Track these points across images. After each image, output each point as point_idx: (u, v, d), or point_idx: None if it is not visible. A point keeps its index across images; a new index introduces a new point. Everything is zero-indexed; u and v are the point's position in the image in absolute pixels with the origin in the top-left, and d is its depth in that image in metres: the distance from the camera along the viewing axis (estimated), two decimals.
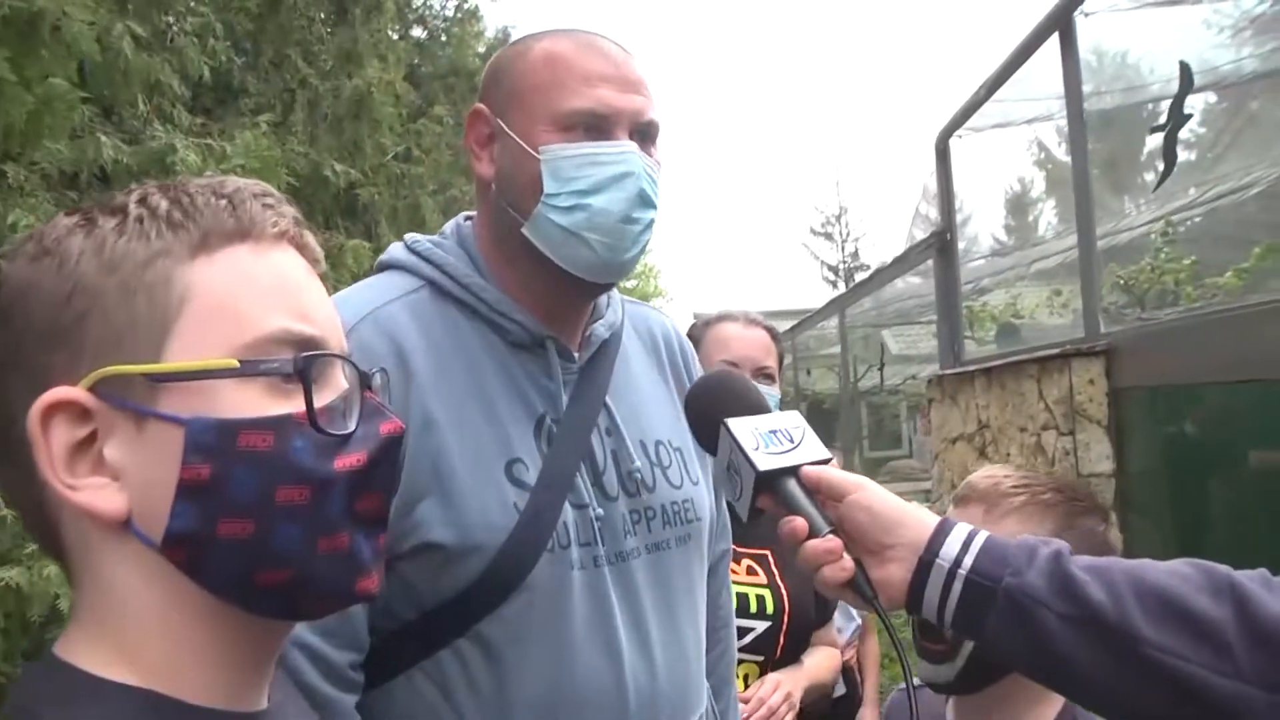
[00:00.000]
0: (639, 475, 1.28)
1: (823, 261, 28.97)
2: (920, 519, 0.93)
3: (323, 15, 8.08)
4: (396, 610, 1.16)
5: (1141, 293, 5.75)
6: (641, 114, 1.20)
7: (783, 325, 14.00)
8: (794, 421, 1.03)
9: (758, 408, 1.04)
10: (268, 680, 0.71)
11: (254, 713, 0.69)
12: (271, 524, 0.63)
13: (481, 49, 14.99)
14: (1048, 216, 7.42)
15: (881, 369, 11.03)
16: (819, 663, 2.13)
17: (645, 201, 1.20)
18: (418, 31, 13.07)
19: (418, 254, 1.27)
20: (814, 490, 0.97)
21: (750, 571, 1.99)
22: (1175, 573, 0.85)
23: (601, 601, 1.21)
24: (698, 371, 1.50)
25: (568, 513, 1.20)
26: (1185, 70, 3.87)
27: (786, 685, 1.96)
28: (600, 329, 1.31)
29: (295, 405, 0.65)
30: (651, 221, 1.23)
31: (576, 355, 1.28)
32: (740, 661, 1.94)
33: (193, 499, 0.62)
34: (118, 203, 0.67)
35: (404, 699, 1.16)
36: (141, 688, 0.62)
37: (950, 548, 0.89)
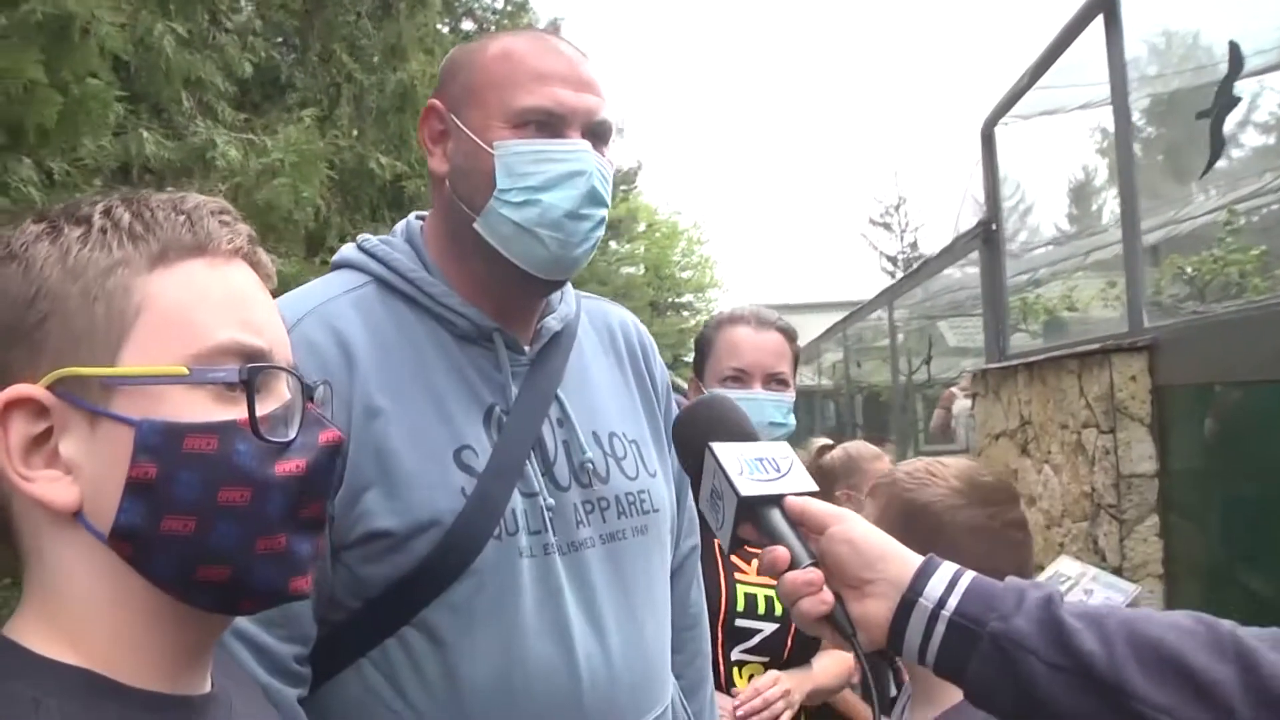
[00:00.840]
0: (591, 465, 1.29)
1: (881, 252, 28.67)
2: (904, 555, 0.91)
3: (368, 11, 8.13)
4: (342, 600, 1.15)
5: (1203, 284, 5.55)
6: (594, 113, 1.23)
7: (838, 317, 13.74)
8: (782, 452, 1.01)
9: (746, 435, 1.02)
10: (207, 667, 0.75)
11: (191, 696, 0.72)
12: (212, 522, 0.67)
13: None
14: (1111, 205, 7.22)
15: (928, 362, 10.80)
16: (826, 667, 2.08)
17: (596, 199, 1.22)
18: (467, 24, 13.17)
19: (366, 252, 1.29)
20: (797, 521, 0.95)
21: (761, 572, 1.95)
22: (1176, 626, 0.81)
23: (552, 590, 1.20)
24: (659, 366, 1.50)
25: (517, 500, 1.20)
26: (1235, 51, 3.70)
27: (786, 683, 1.92)
28: (551, 322, 1.32)
29: (239, 412, 0.69)
30: (602, 220, 1.24)
31: (527, 349, 1.28)
32: (746, 663, 1.91)
33: (139, 496, 0.66)
34: (83, 212, 0.71)
35: (354, 690, 1.15)
36: (80, 667, 0.66)
37: (934, 587, 0.87)
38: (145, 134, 4.80)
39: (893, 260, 27.21)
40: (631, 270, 27.60)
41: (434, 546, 1.13)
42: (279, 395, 0.73)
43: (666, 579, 1.41)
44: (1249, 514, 3.53)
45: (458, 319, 1.23)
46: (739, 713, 1.81)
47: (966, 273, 8.94)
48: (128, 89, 5.32)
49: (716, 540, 1.89)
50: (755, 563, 1.92)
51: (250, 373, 0.70)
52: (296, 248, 5.93)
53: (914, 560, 0.90)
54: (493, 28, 13.41)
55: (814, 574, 0.91)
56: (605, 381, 1.39)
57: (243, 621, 1.04)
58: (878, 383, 13.78)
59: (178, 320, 0.69)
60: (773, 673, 1.93)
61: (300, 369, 1.12)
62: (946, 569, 0.89)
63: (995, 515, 1.32)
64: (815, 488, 0.99)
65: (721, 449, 0.98)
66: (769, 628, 1.94)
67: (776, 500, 0.96)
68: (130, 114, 5.06)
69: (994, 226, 5.96)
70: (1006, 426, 5.26)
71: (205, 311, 0.71)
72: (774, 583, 1.94)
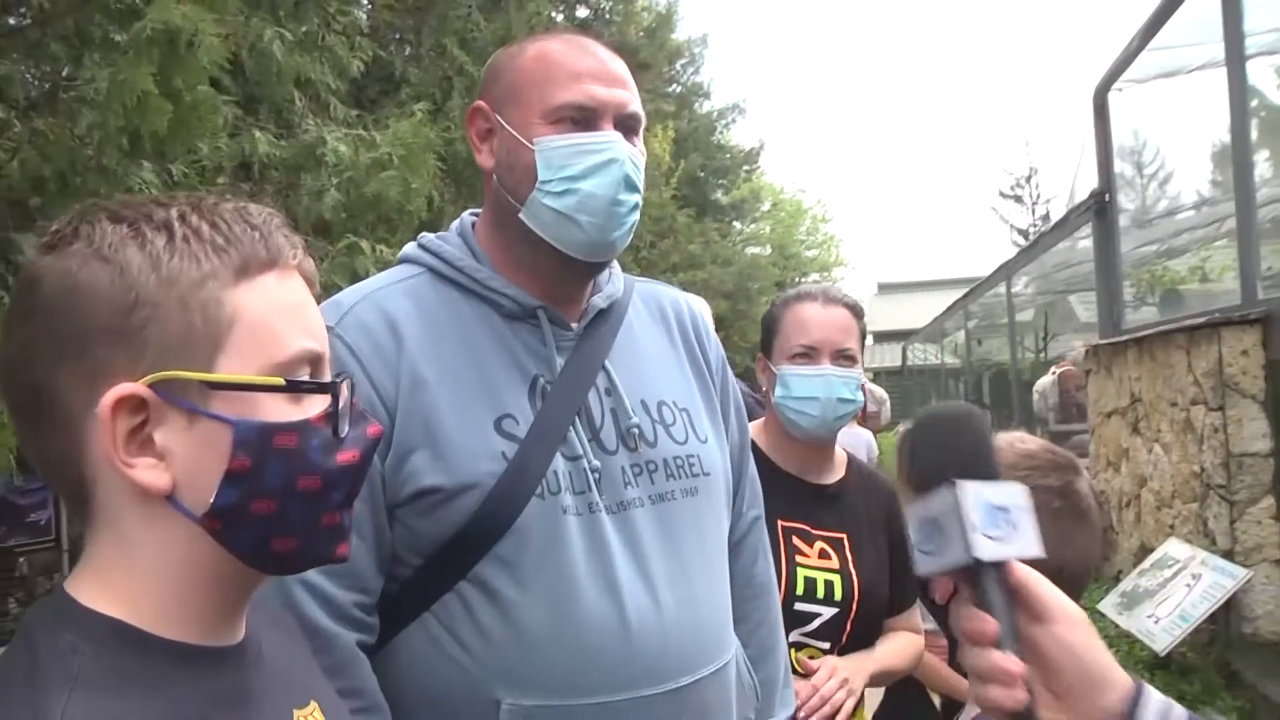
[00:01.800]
0: (638, 430, 1.35)
1: (1012, 225, 27.58)
2: (1121, 681, 0.84)
3: (479, 4, 8.30)
4: (403, 557, 1.26)
5: None
6: (625, 106, 1.30)
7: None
8: (1018, 499, 0.89)
9: (993, 471, 0.90)
10: (242, 619, 0.86)
11: (221, 646, 0.82)
12: (291, 504, 0.78)
13: (646, 24, 15.14)
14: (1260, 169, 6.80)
15: (1047, 338, 10.41)
16: (892, 649, 2.05)
17: (630, 186, 1.29)
18: (582, 11, 13.30)
19: (422, 247, 1.40)
20: (1015, 590, 0.85)
21: (823, 555, 1.94)
22: None
23: (599, 545, 1.27)
24: (712, 341, 1.57)
25: (559, 463, 1.28)
26: None
27: (844, 672, 1.91)
28: (598, 300, 1.40)
29: (310, 411, 0.79)
30: (636, 205, 1.32)
31: (574, 326, 1.37)
32: (804, 646, 1.90)
33: (236, 483, 0.76)
34: (160, 218, 0.79)
35: (419, 642, 1.26)
36: (119, 619, 0.76)
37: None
38: (258, 134, 5.05)
39: (1024, 234, 26.11)
40: (756, 250, 27.37)
41: (478, 506, 1.22)
42: (326, 397, 0.82)
43: (723, 542, 1.46)
44: None
45: (504, 299, 1.32)
46: (801, 713, 1.81)
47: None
48: (243, 92, 5.63)
49: (780, 521, 1.89)
50: (817, 545, 1.95)
51: (335, 386, 0.81)
52: (410, 237, 6.17)
53: (1125, 687, 0.83)
54: (607, 14, 13.51)
55: (1015, 664, 0.81)
56: (655, 354, 1.45)
57: (311, 573, 1.15)
58: (1004, 361, 13.38)
59: (263, 331, 0.78)
60: (829, 661, 1.92)
61: (353, 347, 1.25)
62: (1157, 702, 0.83)
63: (1062, 491, 1.24)
64: (1041, 553, 0.87)
65: (968, 491, 0.85)
66: (829, 612, 1.92)
67: (1000, 565, 0.85)
68: (246, 116, 5.35)
69: (1106, 197, 5.74)
70: (1118, 404, 5.07)
71: (282, 322, 0.80)
72: (835, 567, 1.96)
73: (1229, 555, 3.79)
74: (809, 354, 1.93)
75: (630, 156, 1.28)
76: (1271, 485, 3.74)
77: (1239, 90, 3.98)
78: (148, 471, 0.75)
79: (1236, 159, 4.00)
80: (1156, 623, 3.82)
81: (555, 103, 1.28)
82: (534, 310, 1.32)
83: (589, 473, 1.29)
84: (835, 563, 1.94)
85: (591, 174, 1.27)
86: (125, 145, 3.75)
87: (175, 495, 0.76)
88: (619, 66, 1.32)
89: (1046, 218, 25.56)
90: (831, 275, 33.16)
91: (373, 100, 7.75)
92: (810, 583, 1.89)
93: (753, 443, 1.99)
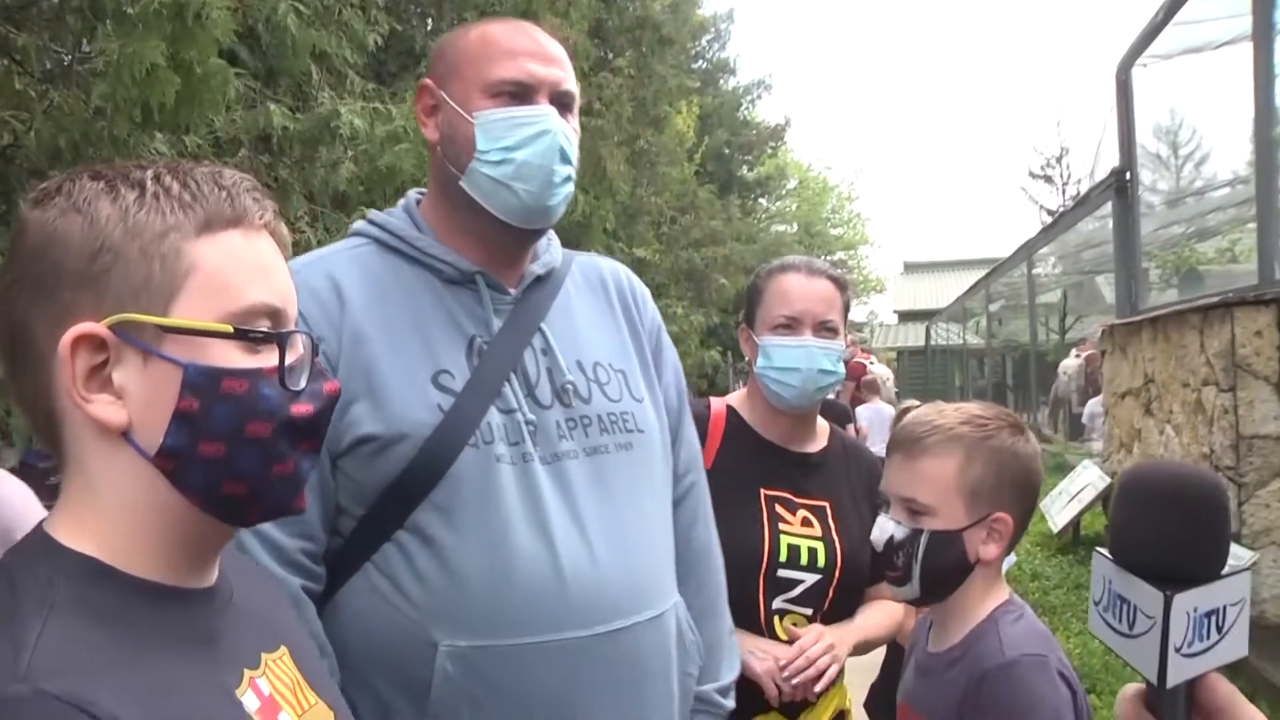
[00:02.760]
0: (572, 387, 1.43)
1: (1042, 206, 27.18)
2: None
3: None
4: (345, 506, 1.34)
5: None
6: (560, 84, 1.39)
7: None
8: (1236, 597, 0.76)
9: (1216, 572, 0.76)
10: (211, 567, 0.89)
11: (191, 588, 0.86)
12: (239, 449, 0.81)
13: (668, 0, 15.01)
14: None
15: (1063, 319, 10.32)
16: (874, 618, 2.07)
17: (563, 157, 1.38)
18: None
19: (369, 221, 1.50)
20: (1201, 702, 0.76)
21: (805, 523, 1.95)
22: None
23: (533, 492, 1.34)
24: (649, 309, 1.64)
25: (494, 416, 1.35)
26: None
27: (830, 638, 1.93)
28: (535, 268, 1.48)
29: (264, 361, 0.83)
30: (569, 177, 1.41)
31: (512, 291, 1.45)
32: (787, 612, 1.92)
33: (183, 424, 0.80)
34: (135, 177, 0.84)
35: (363, 592, 1.33)
36: (92, 556, 0.81)
37: None
38: (273, 107, 5.07)
39: (1054, 215, 25.85)
40: (782, 228, 27.27)
41: (414, 454, 1.29)
42: (294, 350, 0.86)
43: (661, 498, 1.52)
44: None
45: (443, 265, 1.40)
46: (784, 673, 1.83)
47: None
48: (262, 66, 5.65)
49: (762, 489, 1.91)
50: (800, 513, 1.96)
51: (282, 336, 0.83)
52: None
53: None
54: None
55: None
56: (592, 319, 1.53)
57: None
58: (1026, 342, 13.28)
59: (219, 282, 0.82)
60: (816, 627, 1.93)
61: (299, 307, 1.29)
62: None
63: (1030, 439, 1.42)
64: (1244, 653, 0.77)
65: (1182, 602, 0.73)
66: (811, 579, 1.94)
67: (1195, 683, 0.76)
68: (263, 89, 5.37)
69: (1128, 176, 5.66)
70: (1132, 385, 5.03)
71: (240, 275, 0.83)
72: (818, 534, 1.97)
73: (1236, 538, 3.76)
74: (791, 325, 1.94)
75: (563, 130, 1.37)
76: None
77: (1264, 64, 3.92)
78: (105, 407, 0.79)
79: (1258, 136, 3.94)
80: None
81: (494, 78, 1.36)
82: (472, 275, 1.40)
83: (523, 425, 1.36)
84: (818, 530, 1.95)
85: (526, 144, 1.35)
86: (137, 116, 3.78)
87: (131, 433, 0.80)
88: (556, 49, 1.42)
89: (1077, 198, 25.22)
90: (857, 253, 33.03)
91: (393, 74, 7.75)
92: (793, 549, 1.90)
93: (735, 412, 2.02)
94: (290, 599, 1.21)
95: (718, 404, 2.02)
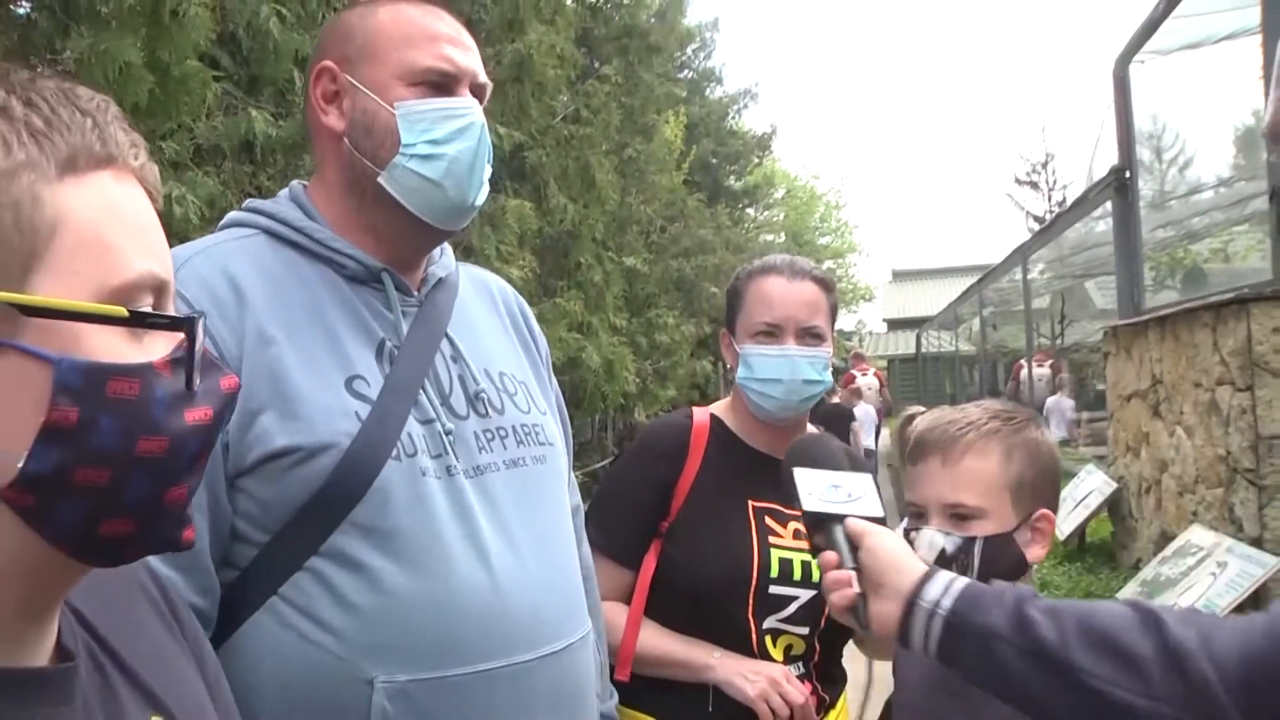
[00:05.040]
0: (486, 396, 1.35)
1: (1028, 212, 27.29)
2: (914, 566, 1.10)
3: None
4: (246, 533, 1.18)
5: None
6: (478, 75, 1.33)
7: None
8: (860, 482, 1.23)
9: (836, 465, 1.26)
10: (50, 635, 0.67)
11: (37, 668, 0.64)
12: (129, 474, 0.61)
13: (656, 7, 14.96)
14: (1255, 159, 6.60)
15: (1063, 323, 10.24)
16: None
17: (488, 153, 1.32)
18: None
19: (251, 209, 1.36)
20: (850, 538, 1.15)
21: (797, 535, 1.82)
22: (1116, 613, 1.01)
23: (464, 509, 1.24)
24: (539, 333, 1.58)
25: (414, 425, 1.24)
26: None
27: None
28: (437, 270, 1.40)
29: (152, 353, 0.62)
30: (490, 173, 1.34)
31: (416, 293, 1.36)
32: (781, 633, 1.79)
33: (55, 442, 0.59)
34: None
35: (271, 633, 1.16)
36: None
37: (932, 592, 1.06)
38: (255, 113, 4.92)
39: (1039, 221, 25.86)
40: (770, 237, 27.20)
41: (334, 467, 1.16)
42: (174, 336, 0.65)
43: (569, 515, 1.46)
44: None
45: (346, 260, 1.29)
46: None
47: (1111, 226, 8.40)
48: (245, 73, 5.51)
49: (750, 502, 1.80)
50: (791, 525, 1.82)
51: (190, 322, 0.64)
52: None
53: (919, 570, 1.09)
54: None
55: (844, 574, 1.12)
56: (490, 329, 1.46)
57: (160, 562, 0.96)
58: (1019, 348, 13.21)
59: (96, 245, 0.61)
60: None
61: (191, 302, 1.12)
62: (944, 577, 1.07)
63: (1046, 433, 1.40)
64: (881, 514, 1.19)
65: (802, 474, 1.22)
66: (805, 594, 1.74)
67: (839, 519, 1.17)
68: (247, 96, 5.23)
69: (1127, 174, 5.57)
70: (1138, 387, 4.91)
71: (122, 235, 0.62)
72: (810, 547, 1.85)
73: (1257, 543, 3.64)
74: (772, 332, 1.81)
75: (485, 125, 1.31)
76: None
77: (1274, 43, 3.81)
78: None
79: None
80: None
81: (417, 66, 1.28)
82: (378, 273, 1.30)
83: (443, 435, 1.26)
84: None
85: (455, 139, 1.27)
86: None
87: None
88: (468, 35, 1.35)
89: (1063, 204, 25.27)
90: (845, 261, 32.96)
91: None
92: (785, 564, 1.77)
93: (720, 421, 1.90)
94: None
95: (700, 414, 1.90)
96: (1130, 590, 4.05)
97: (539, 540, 1.30)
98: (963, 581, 1.06)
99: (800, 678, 1.78)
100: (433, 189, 1.27)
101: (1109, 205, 6.82)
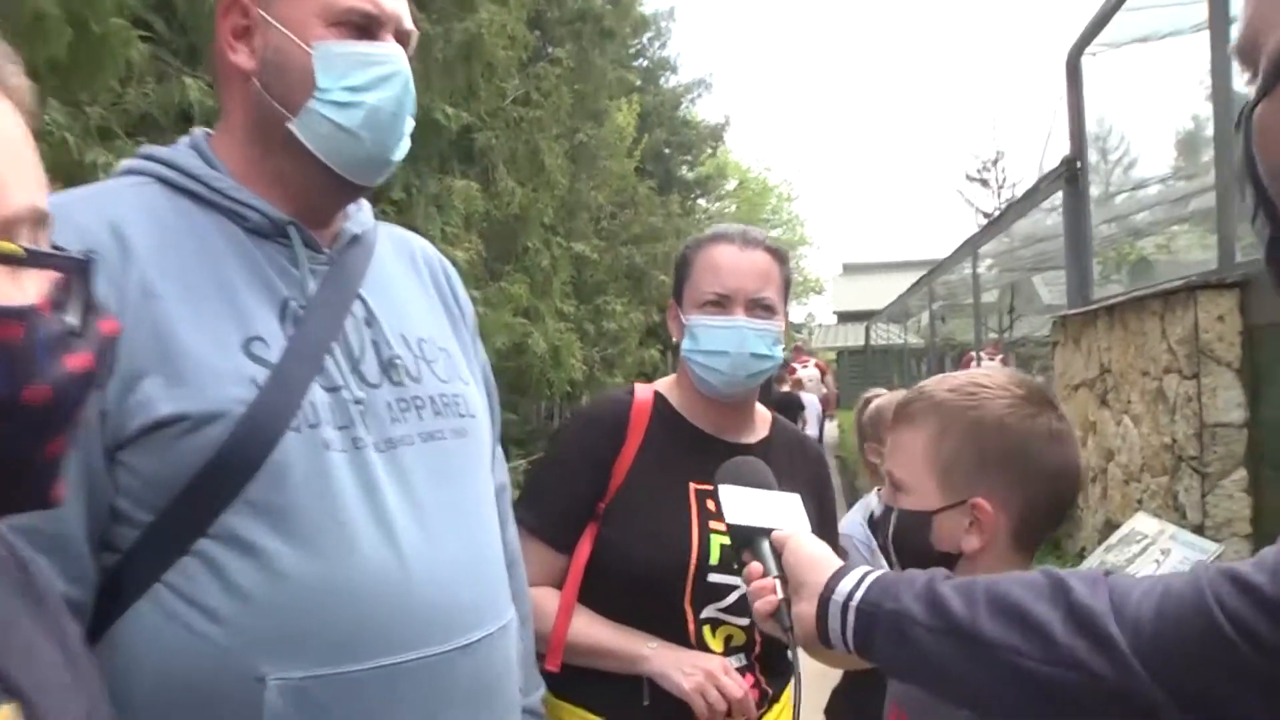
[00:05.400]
0: (401, 363, 1.24)
1: (978, 209, 27.57)
2: (830, 563, 1.09)
3: None
4: (127, 512, 1.05)
5: None
6: (403, 21, 1.24)
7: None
8: (787, 501, 1.25)
9: (760, 484, 1.27)
10: None
11: None
12: (10, 426, 0.57)
13: None
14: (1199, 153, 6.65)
15: (1012, 315, 10.31)
16: None
17: (411, 103, 1.23)
18: None
19: (147, 156, 1.24)
20: (774, 546, 1.16)
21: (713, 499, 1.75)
22: (1024, 582, 0.96)
23: (370, 485, 1.13)
24: (463, 294, 1.47)
25: (318, 394, 1.14)
26: None
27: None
28: (352, 226, 1.30)
29: (29, 293, 0.58)
30: (412, 126, 1.24)
31: (327, 251, 1.25)
32: (720, 623, 1.70)
33: None
34: None
35: (151, 622, 1.04)
36: None
37: (845, 585, 1.04)
38: (188, 81, 4.73)
39: (989, 217, 26.21)
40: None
41: (226, 438, 1.05)
42: (52, 274, 0.61)
43: (492, 494, 1.36)
44: None
45: (249, 212, 1.18)
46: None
47: (1059, 220, 8.45)
48: (183, 42, 5.30)
49: (691, 484, 1.70)
50: None
51: (87, 261, 0.60)
52: None
53: (834, 566, 1.08)
54: None
55: (766, 581, 1.12)
56: (410, 293, 1.35)
57: None
58: (967, 340, 13.29)
59: None
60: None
61: None
62: (857, 571, 1.05)
63: (1061, 418, 1.23)
64: (806, 528, 1.20)
65: (727, 490, 1.24)
66: None
67: (766, 533, 1.17)
68: (182, 64, 5.02)
69: (1079, 164, 5.56)
70: (1086, 376, 4.91)
71: (5, 165, 0.59)
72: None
73: (1199, 530, 3.63)
74: (721, 303, 1.71)
75: (409, 75, 1.22)
76: (1245, 457, 3.58)
77: (1221, 38, 3.80)
78: None
79: (1217, 114, 3.82)
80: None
81: (339, 4, 1.18)
82: (284, 227, 1.20)
83: (352, 405, 1.16)
84: None
85: (376, 86, 1.18)
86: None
87: None
88: None
89: (1013, 200, 25.53)
90: (796, 254, 33.09)
91: None
92: (727, 551, 1.67)
93: (664, 398, 1.79)
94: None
95: (643, 390, 1.79)
96: None
97: (456, 520, 1.20)
98: (877, 573, 1.04)
99: (741, 670, 1.68)
100: (348, 139, 1.17)
101: (1057, 199, 6.84)
